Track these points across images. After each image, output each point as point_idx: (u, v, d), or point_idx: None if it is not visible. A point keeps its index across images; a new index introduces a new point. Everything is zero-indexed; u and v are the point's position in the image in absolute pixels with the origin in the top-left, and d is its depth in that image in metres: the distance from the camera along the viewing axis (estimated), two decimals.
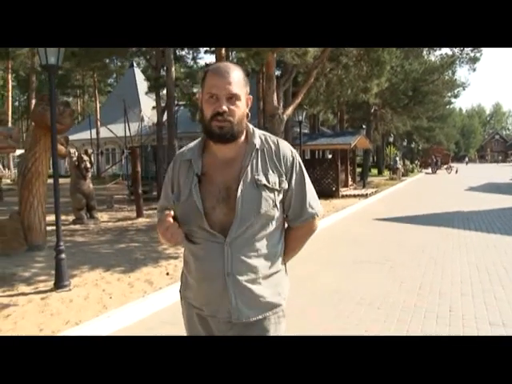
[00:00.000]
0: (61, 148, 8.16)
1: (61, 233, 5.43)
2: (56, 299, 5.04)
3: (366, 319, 4.44)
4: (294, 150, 1.75)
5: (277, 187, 1.65)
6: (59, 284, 5.33)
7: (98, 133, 35.00)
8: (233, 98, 1.58)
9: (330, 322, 4.38)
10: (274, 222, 1.67)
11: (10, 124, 30.21)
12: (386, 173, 34.11)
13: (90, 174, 11.36)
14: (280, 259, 1.74)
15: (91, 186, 11.42)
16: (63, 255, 5.35)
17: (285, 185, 1.67)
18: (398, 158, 31.55)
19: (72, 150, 11.01)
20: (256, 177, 1.62)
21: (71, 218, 11.24)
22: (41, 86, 42.65)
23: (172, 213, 1.58)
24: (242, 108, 1.61)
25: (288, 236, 1.78)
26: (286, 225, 1.80)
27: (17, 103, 60.70)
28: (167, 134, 13.64)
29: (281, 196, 1.67)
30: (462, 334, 4.00)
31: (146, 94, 19.72)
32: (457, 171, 39.55)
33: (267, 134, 1.75)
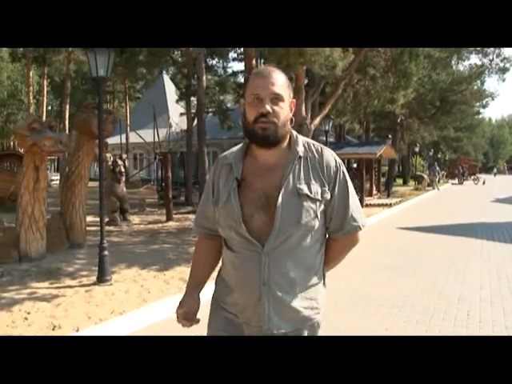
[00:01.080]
0: (108, 154, 8.69)
1: (104, 232, 5.90)
2: (99, 292, 5.49)
3: (387, 319, 4.74)
4: (339, 159, 1.70)
5: (319, 197, 1.59)
6: (102, 278, 5.78)
7: (127, 138, 35.91)
8: (276, 99, 1.55)
9: (351, 321, 4.69)
10: (314, 233, 1.61)
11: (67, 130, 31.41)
12: (412, 183, 33.99)
13: (123, 178, 11.91)
14: (319, 272, 1.69)
15: (125, 189, 11.96)
16: (106, 252, 5.81)
17: (327, 195, 1.61)
18: (438, 168, 30.74)
19: (108, 155, 11.57)
20: (298, 185, 1.57)
21: (105, 219, 11.79)
22: (73, 91, 44.01)
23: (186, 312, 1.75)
24: (285, 110, 1.58)
25: (328, 246, 1.72)
26: (327, 235, 1.74)
27: (50, 107, 62.50)
28: (197, 141, 14.11)
29: (322, 206, 1.61)
30: (478, 336, 4.26)
31: (177, 102, 20.25)
32: (484, 182, 39.06)
33: (311, 141, 1.70)
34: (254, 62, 11.17)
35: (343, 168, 1.68)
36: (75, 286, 5.73)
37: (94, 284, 5.80)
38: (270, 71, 1.58)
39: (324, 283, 1.74)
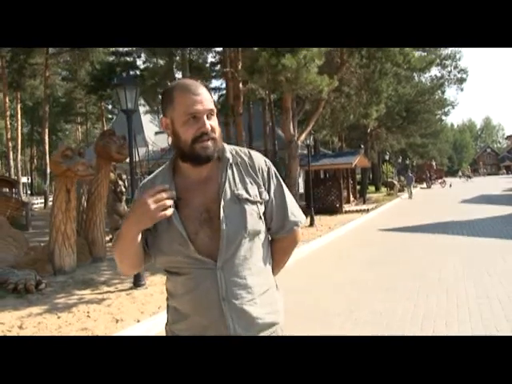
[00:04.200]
0: (111, 175, 9.61)
1: None
2: (139, 294, 6.41)
3: (383, 299, 5.84)
4: (268, 160, 1.69)
5: (258, 199, 1.57)
6: (138, 283, 6.71)
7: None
8: (211, 114, 1.51)
9: (356, 300, 5.78)
10: (260, 236, 1.59)
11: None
12: (383, 189, 35.68)
13: (124, 197, 12.77)
14: (270, 275, 1.66)
15: (126, 207, 12.80)
16: None
17: (265, 195, 1.59)
18: (411, 174, 32.01)
19: (112, 175, 12.42)
20: (236, 192, 1.53)
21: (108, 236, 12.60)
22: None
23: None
24: (217, 123, 1.55)
25: (273, 249, 1.69)
26: (270, 236, 1.70)
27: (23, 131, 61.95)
28: None
29: (263, 208, 1.59)
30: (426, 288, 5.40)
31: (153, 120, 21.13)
32: (450, 185, 41.16)
33: (236, 147, 1.67)
34: (240, 85, 12.28)
35: (274, 168, 1.67)
36: (115, 291, 6.64)
37: (131, 288, 6.71)
38: (197, 86, 1.51)
39: (276, 286, 1.69)
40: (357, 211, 18.55)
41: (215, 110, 1.54)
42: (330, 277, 7.36)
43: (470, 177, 41.12)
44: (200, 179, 1.57)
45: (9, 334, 4.87)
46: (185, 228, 1.50)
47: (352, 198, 21.82)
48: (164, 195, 1.41)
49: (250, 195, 1.55)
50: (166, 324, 1.66)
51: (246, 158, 1.62)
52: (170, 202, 1.42)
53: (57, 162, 7.21)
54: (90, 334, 4.77)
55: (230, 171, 1.57)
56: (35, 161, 57.84)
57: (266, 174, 1.62)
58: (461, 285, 6.34)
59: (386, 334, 4.49)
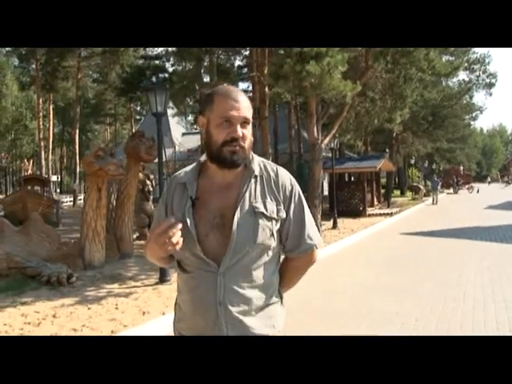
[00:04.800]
0: (140, 175, 9.98)
1: None
2: (164, 289, 6.70)
3: (402, 299, 5.99)
4: (294, 179, 1.70)
5: (275, 216, 1.58)
6: (163, 278, 7.01)
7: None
8: (245, 123, 1.54)
9: (380, 300, 5.94)
10: (270, 252, 1.60)
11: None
12: (409, 193, 35.38)
13: (151, 197, 13.16)
14: (276, 291, 1.66)
15: (153, 206, 13.18)
16: None
17: (282, 214, 1.60)
18: (436, 178, 31.35)
19: (140, 175, 12.83)
20: (254, 204, 1.56)
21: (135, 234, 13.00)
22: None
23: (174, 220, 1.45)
24: (250, 133, 1.58)
25: (285, 267, 1.71)
26: (283, 254, 1.72)
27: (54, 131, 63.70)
28: None
29: (278, 225, 1.60)
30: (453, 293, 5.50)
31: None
32: (478, 191, 40.50)
33: (266, 161, 1.70)
34: (266, 89, 12.53)
35: (298, 188, 1.68)
36: (141, 286, 6.95)
37: (157, 284, 7.01)
38: (238, 93, 1.56)
39: (282, 303, 1.70)
40: (380, 215, 18.55)
41: (251, 120, 1.57)
42: (351, 278, 7.52)
43: (509, 183, 39.90)
44: (223, 183, 1.60)
45: (44, 321, 5.22)
46: (196, 227, 1.54)
47: (376, 202, 21.80)
48: (172, 231, 1.40)
49: (266, 210, 1.56)
50: (173, 324, 1.72)
51: (272, 174, 1.63)
52: (177, 236, 1.41)
53: (89, 161, 7.58)
54: (117, 325, 5.07)
55: (253, 182, 1.59)
56: (65, 160, 59.42)
57: (288, 193, 1.63)
58: (478, 289, 6.42)
59: (400, 335, 4.65)
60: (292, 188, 1.65)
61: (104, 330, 4.87)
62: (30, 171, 35.03)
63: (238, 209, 1.54)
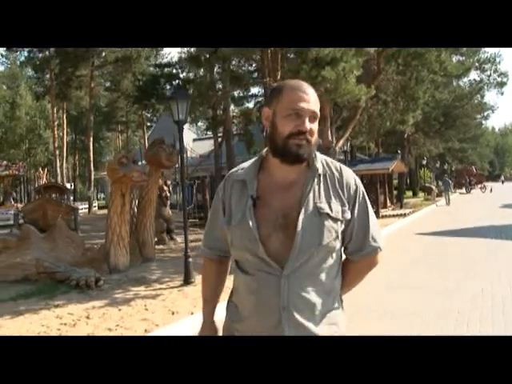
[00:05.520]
0: (160, 181, 10.26)
1: (188, 243, 7.38)
2: (189, 291, 6.93)
3: (416, 296, 6.15)
4: (358, 179, 1.64)
5: (340, 217, 1.51)
6: (188, 280, 7.25)
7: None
8: (313, 118, 1.49)
9: (398, 298, 6.12)
10: (334, 255, 1.54)
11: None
12: (421, 194, 35.38)
13: (169, 202, 13.45)
14: (337, 295, 1.60)
15: (170, 212, 13.47)
16: (190, 259, 7.28)
17: (347, 214, 1.53)
18: (447, 178, 30.89)
19: (160, 182, 13.12)
20: (318, 204, 1.49)
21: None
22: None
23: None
24: (317, 129, 1.54)
25: (346, 269, 1.64)
26: (345, 256, 1.66)
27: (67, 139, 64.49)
28: (227, 165, 15.67)
29: (342, 226, 1.53)
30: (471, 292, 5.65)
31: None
32: (491, 190, 40.27)
33: (329, 159, 1.63)
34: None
35: (363, 188, 1.62)
36: (167, 288, 7.19)
37: (182, 285, 7.25)
38: (308, 87, 1.52)
39: (343, 308, 1.65)
40: (394, 216, 18.65)
41: (319, 115, 1.53)
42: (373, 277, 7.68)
43: None
44: (285, 181, 1.53)
45: (78, 322, 5.47)
46: (258, 228, 1.48)
47: (389, 203, 21.92)
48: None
49: (331, 211, 1.50)
50: (225, 320, 1.67)
51: (335, 172, 1.57)
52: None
53: (114, 168, 7.85)
54: (149, 324, 5.31)
55: (316, 181, 1.53)
56: (77, 168, 60.15)
57: (352, 193, 1.56)
58: (496, 286, 6.56)
59: (411, 332, 4.83)
60: (356, 188, 1.58)
61: (138, 330, 5.10)
62: (44, 180, 35.61)
63: (303, 209, 1.48)
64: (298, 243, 1.45)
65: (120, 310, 5.99)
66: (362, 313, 5.58)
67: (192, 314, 5.65)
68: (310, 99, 1.49)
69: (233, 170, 1.68)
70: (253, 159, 1.64)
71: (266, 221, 1.49)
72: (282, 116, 1.48)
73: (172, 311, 5.80)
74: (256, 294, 1.50)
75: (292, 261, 1.45)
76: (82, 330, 5.18)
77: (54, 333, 5.13)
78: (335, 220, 1.51)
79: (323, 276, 1.52)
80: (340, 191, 1.55)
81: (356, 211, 1.57)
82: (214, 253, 1.74)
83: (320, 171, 1.55)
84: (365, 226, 1.59)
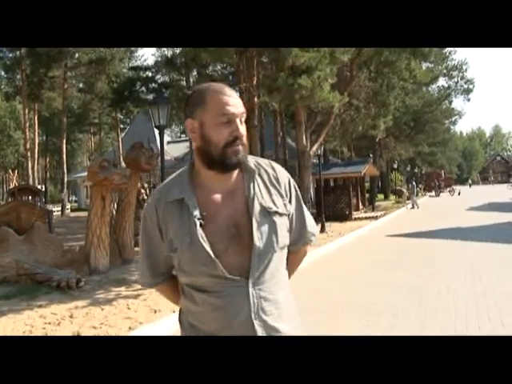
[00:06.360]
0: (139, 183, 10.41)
1: None
2: None
3: (392, 292, 6.53)
4: (286, 171, 1.63)
5: (285, 211, 1.50)
6: None
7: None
8: (242, 119, 1.44)
9: (376, 295, 6.48)
10: (284, 250, 1.51)
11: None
12: (392, 197, 36.25)
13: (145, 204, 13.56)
14: (289, 287, 1.57)
15: None
16: None
17: (289, 207, 1.52)
18: (414, 183, 31.90)
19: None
20: (264, 204, 1.45)
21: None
22: (60, 125, 45.50)
23: None
24: (245, 129, 1.46)
25: (289, 260, 1.59)
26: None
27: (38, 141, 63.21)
28: None
29: (288, 220, 1.52)
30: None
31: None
32: (459, 193, 41.57)
33: (255, 157, 1.58)
34: (255, 99, 13.06)
35: (292, 179, 1.62)
36: (147, 288, 7.35)
37: None
38: (229, 88, 1.46)
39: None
40: (366, 218, 19.18)
41: (245, 115, 1.48)
42: (342, 277, 8.05)
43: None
44: (224, 191, 1.46)
45: (63, 321, 5.62)
46: (211, 246, 1.39)
47: (361, 206, 22.49)
48: None
49: (278, 207, 1.47)
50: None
51: (268, 168, 1.54)
52: None
53: (94, 172, 7.98)
54: (133, 322, 5.50)
55: (256, 182, 1.48)
56: (49, 170, 59.14)
57: (287, 186, 1.55)
58: (460, 282, 7.01)
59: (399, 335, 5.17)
60: (289, 180, 1.57)
61: (122, 327, 5.29)
62: (15, 182, 34.97)
63: (254, 213, 1.43)
64: (257, 249, 1.41)
65: (103, 309, 6.15)
66: (337, 308, 5.90)
67: (174, 312, 5.85)
68: (237, 102, 1.43)
69: (158, 190, 1.53)
70: (175, 175, 1.53)
71: (219, 236, 1.42)
72: (213, 125, 1.41)
73: (154, 309, 6.00)
74: (223, 311, 1.41)
75: (254, 268, 1.41)
76: (67, 328, 5.32)
77: (39, 332, 5.25)
78: (283, 215, 1.50)
79: (280, 273, 1.50)
80: (277, 185, 1.53)
81: (294, 201, 1.56)
82: (163, 278, 1.60)
83: (255, 171, 1.51)
84: (302, 215, 1.59)
